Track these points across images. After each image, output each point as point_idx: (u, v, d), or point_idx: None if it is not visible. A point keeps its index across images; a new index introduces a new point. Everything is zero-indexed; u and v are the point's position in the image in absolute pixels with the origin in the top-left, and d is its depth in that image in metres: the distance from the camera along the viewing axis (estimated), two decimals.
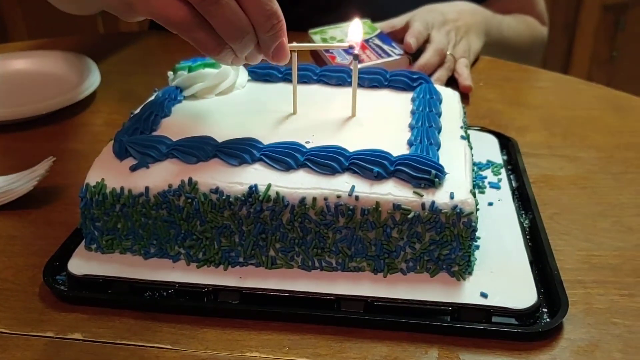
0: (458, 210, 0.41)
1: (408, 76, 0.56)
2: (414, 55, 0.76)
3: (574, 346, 0.40)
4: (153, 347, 0.41)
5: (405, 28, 0.78)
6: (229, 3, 0.42)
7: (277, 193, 0.42)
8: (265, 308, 0.42)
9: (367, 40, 0.77)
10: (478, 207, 0.44)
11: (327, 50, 0.76)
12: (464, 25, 0.82)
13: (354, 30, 0.50)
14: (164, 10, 0.43)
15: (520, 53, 0.94)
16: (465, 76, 0.76)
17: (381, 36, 0.78)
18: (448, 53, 0.77)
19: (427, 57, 0.75)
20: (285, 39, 0.46)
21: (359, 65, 0.51)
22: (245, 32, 0.44)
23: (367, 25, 0.81)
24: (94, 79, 0.75)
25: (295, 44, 0.47)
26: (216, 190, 0.43)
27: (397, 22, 0.82)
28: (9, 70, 0.81)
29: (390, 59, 0.73)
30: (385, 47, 0.76)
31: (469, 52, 0.81)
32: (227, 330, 0.42)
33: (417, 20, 0.79)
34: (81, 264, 0.45)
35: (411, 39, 0.75)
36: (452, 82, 0.77)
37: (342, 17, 0.82)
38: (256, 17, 0.44)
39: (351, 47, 0.49)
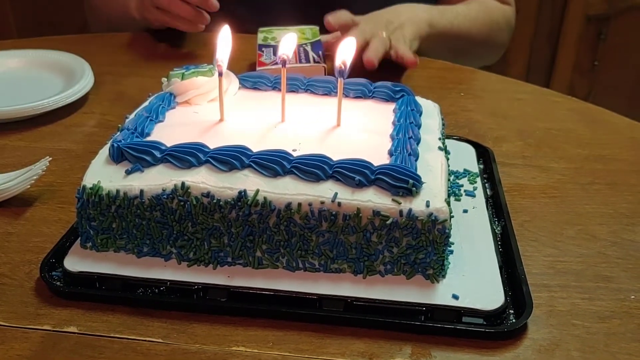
0: (433, 218, 0.44)
1: (391, 88, 0.59)
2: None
3: (536, 345, 0.44)
4: (145, 340, 0.43)
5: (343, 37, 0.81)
6: None
7: (265, 198, 0.45)
8: (252, 305, 0.45)
9: (300, 45, 0.82)
10: (452, 215, 0.47)
11: (258, 50, 0.82)
12: (397, 22, 0.85)
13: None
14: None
15: (479, 38, 0.96)
16: (403, 49, 0.79)
17: (316, 44, 0.82)
18: (383, 34, 0.80)
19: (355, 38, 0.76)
20: None
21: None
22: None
23: (312, 31, 0.85)
24: (87, 81, 0.77)
25: None
26: (207, 195, 0.45)
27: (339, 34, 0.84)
28: (3, 69, 0.82)
29: (306, 64, 0.79)
30: (311, 53, 0.80)
31: (404, 39, 0.83)
32: (215, 326, 0.44)
33: (354, 32, 0.80)
34: (77, 261, 0.47)
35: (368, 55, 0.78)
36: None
37: (287, 20, 0.86)
38: None
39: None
